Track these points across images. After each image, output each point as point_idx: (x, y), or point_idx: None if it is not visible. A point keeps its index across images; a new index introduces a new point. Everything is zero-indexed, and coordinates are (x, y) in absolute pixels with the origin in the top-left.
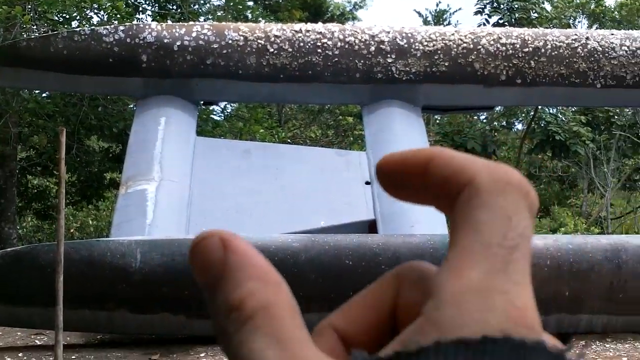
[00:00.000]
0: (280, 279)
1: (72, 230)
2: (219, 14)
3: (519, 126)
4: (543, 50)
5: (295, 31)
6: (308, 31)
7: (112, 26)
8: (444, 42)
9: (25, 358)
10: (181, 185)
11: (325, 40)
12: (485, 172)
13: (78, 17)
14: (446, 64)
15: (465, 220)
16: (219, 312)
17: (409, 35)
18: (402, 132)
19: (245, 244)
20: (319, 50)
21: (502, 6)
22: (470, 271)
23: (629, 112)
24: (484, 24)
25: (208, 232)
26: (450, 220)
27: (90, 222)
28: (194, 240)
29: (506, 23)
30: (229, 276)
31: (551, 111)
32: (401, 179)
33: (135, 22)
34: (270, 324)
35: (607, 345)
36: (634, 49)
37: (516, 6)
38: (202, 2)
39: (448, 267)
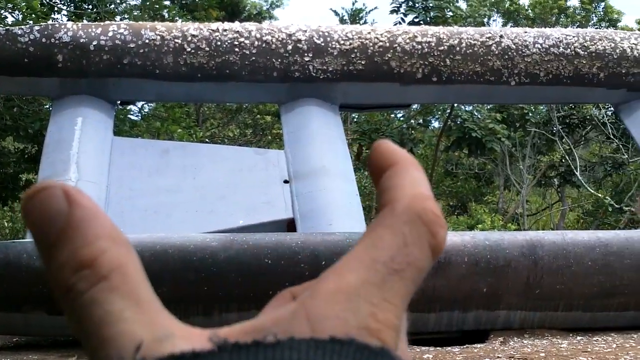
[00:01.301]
0: (128, 240)
1: None
2: (135, 13)
3: (436, 124)
4: (458, 48)
5: (212, 30)
6: (225, 30)
7: (28, 26)
8: (360, 40)
9: None
10: (98, 186)
11: (242, 39)
12: (407, 200)
13: None
14: (363, 62)
15: (371, 232)
16: (63, 268)
17: (326, 34)
18: (319, 130)
19: (89, 199)
20: (236, 49)
21: (417, 5)
22: (350, 275)
23: (544, 110)
24: (400, 23)
25: (47, 182)
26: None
27: (6, 224)
28: (30, 189)
29: (422, 22)
30: (76, 231)
31: (467, 109)
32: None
33: (50, 22)
34: (126, 285)
35: (525, 342)
36: (547, 46)
37: (431, 5)
38: (118, 1)
39: (336, 266)
